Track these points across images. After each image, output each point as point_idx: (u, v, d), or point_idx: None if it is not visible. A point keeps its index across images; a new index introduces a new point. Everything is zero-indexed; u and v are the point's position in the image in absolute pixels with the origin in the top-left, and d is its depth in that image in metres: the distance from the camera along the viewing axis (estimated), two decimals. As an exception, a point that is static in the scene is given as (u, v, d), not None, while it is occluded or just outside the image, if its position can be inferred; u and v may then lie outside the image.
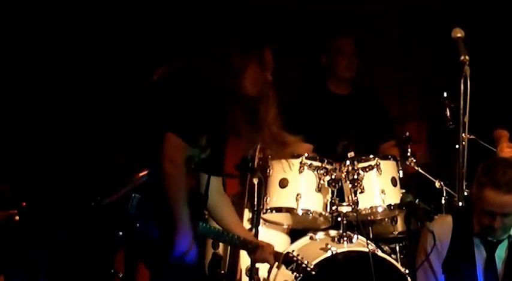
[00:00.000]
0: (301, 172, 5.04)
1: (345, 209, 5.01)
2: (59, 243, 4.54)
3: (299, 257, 4.53)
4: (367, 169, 5.06)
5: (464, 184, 4.66)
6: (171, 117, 4.13)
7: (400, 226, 5.32)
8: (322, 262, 4.82)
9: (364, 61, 5.81)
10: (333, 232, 5.12)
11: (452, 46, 4.69)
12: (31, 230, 4.74)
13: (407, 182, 5.27)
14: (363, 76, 5.84)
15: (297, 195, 5.01)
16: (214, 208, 4.42)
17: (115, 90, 5.61)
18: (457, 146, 4.68)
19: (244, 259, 4.82)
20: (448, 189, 5.16)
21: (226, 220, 4.43)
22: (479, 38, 5.46)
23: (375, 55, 6.21)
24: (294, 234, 5.24)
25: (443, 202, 5.18)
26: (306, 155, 5.08)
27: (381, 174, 5.08)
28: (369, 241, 4.95)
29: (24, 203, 4.76)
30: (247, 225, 4.84)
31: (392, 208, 5.07)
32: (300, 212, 5.01)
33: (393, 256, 5.20)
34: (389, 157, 5.22)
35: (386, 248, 5.28)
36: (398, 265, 4.88)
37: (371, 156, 5.13)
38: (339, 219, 5.05)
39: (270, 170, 5.10)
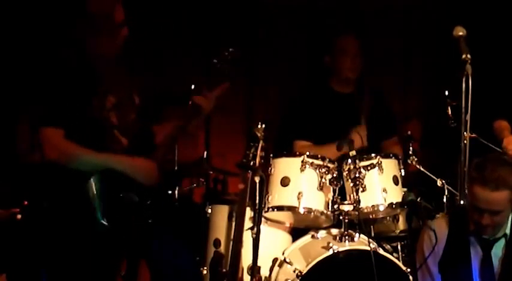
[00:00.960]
0: (303, 170, 5.04)
1: (346, 207, 5.01)
2: (60, 242, 4.43)
3: None
4: (369, 168, 5.06)
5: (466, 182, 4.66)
6: (32, 113, 4.24)
7: (401, 225, 5.31)
8: (324, 260, 4.85)
9: (366, 59, 5.81)
10: (334, 231, 5.14)
11: (454, 44, 4.63)
12: (33, 229, 4.64)
13: (409, 180, 5.27)
14: (365, 74, 5.84)
15: (299, 193, 5.01)
16: None
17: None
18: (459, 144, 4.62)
19: (246, 258, 4.82)
20: (449, 188, 5.16)
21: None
22: (481, 36, 5.45)
23: (377, 53, 6.22)
24: (296, 233, 5.25)
25: (445, 200, 5.17)
26: (308, 153, 5.09)
27: (382, 172, 5.08)
28: (370, 240, 4.95)
29: (26, 202, 4.74)
30: (248, 224, 4.85)
31: (394, 206, 5.06)
32: (301, 211, 5.02)
33: (395, 254, 5.21)
34: (391, 155, 5.22)
35: (388, 246, 5.29)
36: (400, 264, 4.87)
37: (373, 154, 5.13)
38: (341, 217, 5.05)
39: (271, 169, 5.11)
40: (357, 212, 4.98)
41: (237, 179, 5.19)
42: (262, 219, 4.94)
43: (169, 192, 5.63)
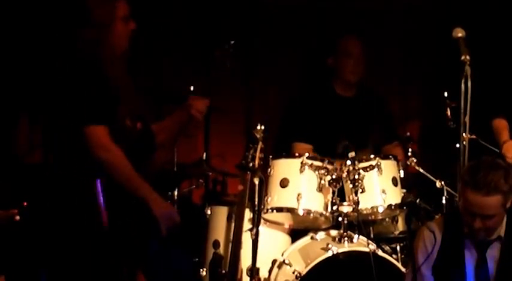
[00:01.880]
0: (302, 171, 5.06)
1: (345, 209, 5.03)
2: (61, 242, 4.41)
3: None
4: (368, 169, 5.08)
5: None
6: (75, 111, 4.18)
7: (401, 226, 5.35)
8: (323, 261, 4.87)
9: (368, 60, 5.84)
10: (333, 232, 5.15)
11: (454, 46, 4.69)
12: (32, 229, 4.71)
13: (408, 181, 5.30)
14: (366, 76, 5.86)
15: (298, 195, 5.03)
16: None
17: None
18: (458, 146, 4.69)
19: (245, 259, 4.85)
20: (449, 189, 5.19)
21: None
22: (480, 38, 5.51)
23: (376, 54, 6.22)
24: (295, 234, 5.27)
25: (444, 201, 5.22)
26: (307, 155, 5.10)
27: (381, 174, 5.10)
28: (369, 241, 4.99)
29: (25, 203, 4.78)
30: (248, 225, 4.87)
31: (393, 207, 5.09)
32: (300, 212, 5.04)
33: (394, 255, 5.23)
34: (390, 156, 5.24)
35: (387, 248, 5.31)
36: (399, 265, 4.90)
37: (372, 156, 5.16)
38: (340, 219, 5.07)
39: (270, 170, 5.12)
40: (356, 214, 5.00)
41: (236, 180, 5.24)
42: (262, 220, 4.98)
43: (169, 193, 5.64)
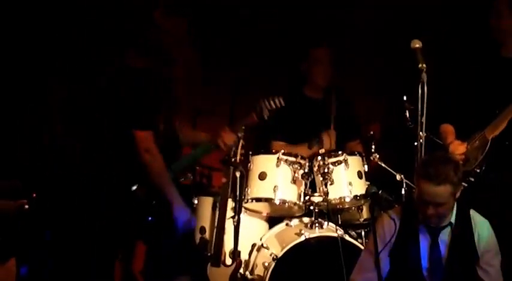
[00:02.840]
0: (278, 166, 5.25)
1: (316, 199, 5.23)
2: (66, 229, 4.61)
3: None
4: (336, 164, 5.27)
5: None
6: (127, 115, 4.40)
7: (365, 214, 5.48)
8: (297, 245, 5.06)
9: (336, 68, 5.91)
10: (306, 219, 5.33)
11: (412, 55, 4.83)
12: (40, 218, 4.82)
13: (372, 175, 5.44)
14: (334, 82, 5.95)
15: (275, 187, 5.22)
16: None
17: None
18: (415, 143, 4.82)
19: (228, 243, 5.00)
20: (407, 181, 5.32)
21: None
22: (435, 47, 5.47)
23: (348, 62, 6.31)
24: (272, 221, 5.46)
25: (403, 192, 5.37)
26: (283, 151, 5.26)
27: (348, 168, 5.28)
28: (338, 227, 5.18)
29: (34, 194, 4.84)
30: (230, 213, 5.02)
31: (358, 198, 5.27)
32: (277, 202, 5.22)
33: (359, 240, 5.37)
34: (356, 152, 5.41)
35: (353, 233, 5.44)
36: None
37: (339, 152, 5.32)
38: (312, 208, 5.27)
39: (250, 165, 5.31)
40: (325, 203, 5.20)
41: (220, 173, 5.39)
42: (242, 209, 5.15)
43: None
